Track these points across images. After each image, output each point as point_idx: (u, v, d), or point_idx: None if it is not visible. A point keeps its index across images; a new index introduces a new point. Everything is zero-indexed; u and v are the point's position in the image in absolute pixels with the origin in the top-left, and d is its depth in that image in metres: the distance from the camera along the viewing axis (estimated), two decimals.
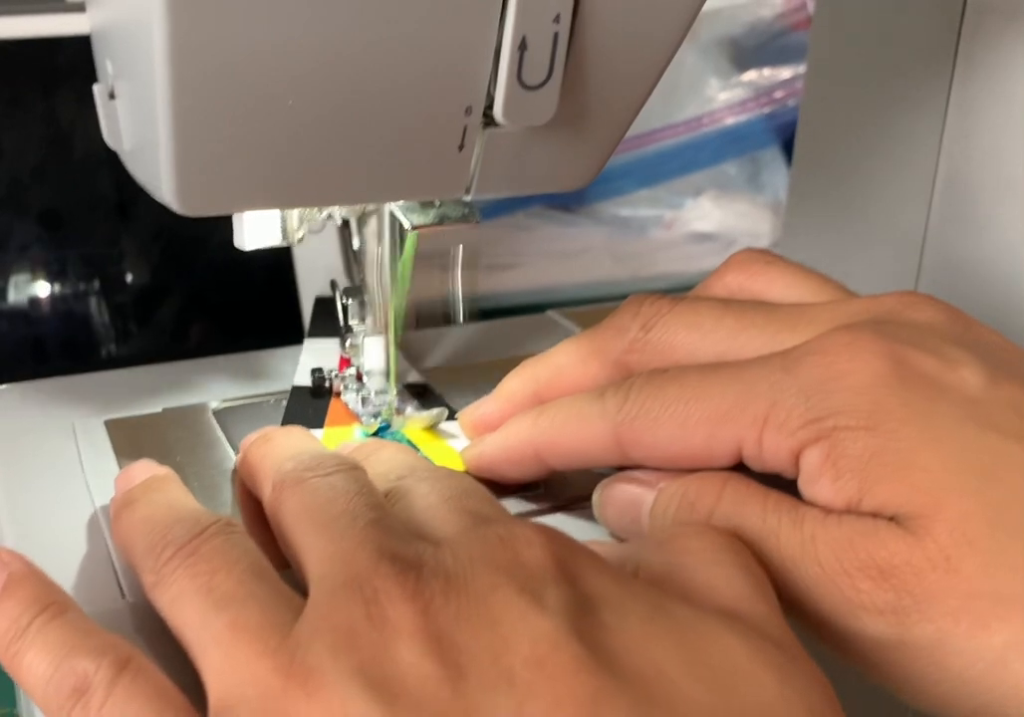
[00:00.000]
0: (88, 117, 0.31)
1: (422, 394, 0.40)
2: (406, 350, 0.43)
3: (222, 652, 0.23)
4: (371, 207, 0.34)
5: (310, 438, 0.33)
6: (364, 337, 0.37)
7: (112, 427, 0.37)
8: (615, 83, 0.30)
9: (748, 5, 0.73)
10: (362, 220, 0.35)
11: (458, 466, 0.34)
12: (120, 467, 0.34)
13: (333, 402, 0.38)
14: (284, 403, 0.38)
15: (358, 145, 0.28)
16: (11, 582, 0.26)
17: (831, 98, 0.49)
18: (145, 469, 0.31)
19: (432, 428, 0.37)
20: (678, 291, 0.32)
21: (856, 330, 0.27)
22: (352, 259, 0.37)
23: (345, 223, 0.36)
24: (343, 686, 0.21)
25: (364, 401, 0.37)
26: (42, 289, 0.45)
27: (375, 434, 0.36)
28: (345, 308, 0.37)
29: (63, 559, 0.30)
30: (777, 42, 0.73)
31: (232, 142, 0.27)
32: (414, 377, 0.41)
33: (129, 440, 0.37)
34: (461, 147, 0.29)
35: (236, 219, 0.33)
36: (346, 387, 0.38)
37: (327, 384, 0.39)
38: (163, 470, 0.31)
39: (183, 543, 0.25)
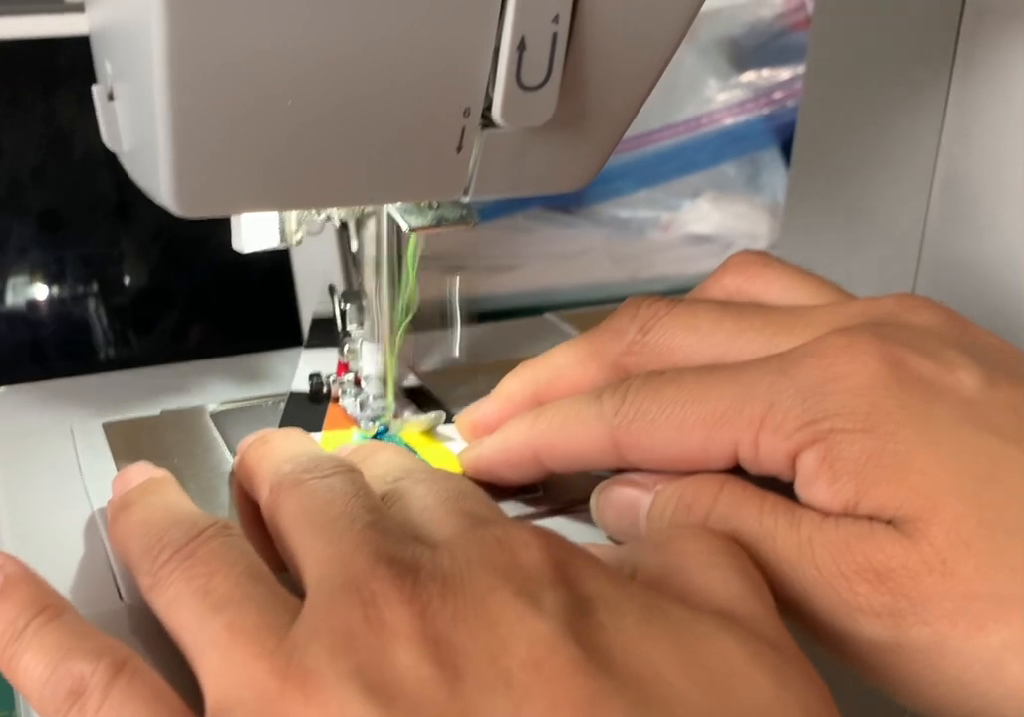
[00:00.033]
0: (88, 117, 0.31)
1: (420, 397, 0.40)
2: (403, 353, 0.43)
3: (219, 654, 0.23)
4: (369, 209, 0.34)
5: (308, 440, 0.33)
6: (362, 342, 0.37)
7: (110, 429, 0.37)
8: (614, 83, 0.30)
9: (748, 5, 0.73)
10: (360, 222, 0.35)
11: (456, 469, 0.34)
12: (118, 469, 0.34)
13: (331, 407, 0.38)
14: (282, 406, 0.38)
15: (357, 146, 0.28)
16: (7, 585, 0.26)
17: (830, 99, 0.49)
18: (142, 471, 0.31)
19: (430, 431, 0.37)
20: (676, 293, 0.32)
21: (853, 332, 0.27)
22: (350, 262, 0.37)
23: (343, 225, 0.35)
24: (340, 688, 0.21)
25: (362, 406, 0.37)
26: (41, 291, 0.45)
27: (373, 438, 0.36)
28: (343, 313, 0.37)
29: (61, 561, 0.30)
30: (776, 42, 0.73)
31: (231, 143, 0.27)
32: (411, 381, 0.41)
33: (127, 442, 0.37)
34: (459, 148, 0.29)
35: (234, 221, 0.33)
36: (344, 392, 0.38)
37: (325, 389, 0.38)
38: (160, 472, 0.31)
39: (180, 545, 0.25)
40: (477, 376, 0.41)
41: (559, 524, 0.32)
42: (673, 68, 0.31)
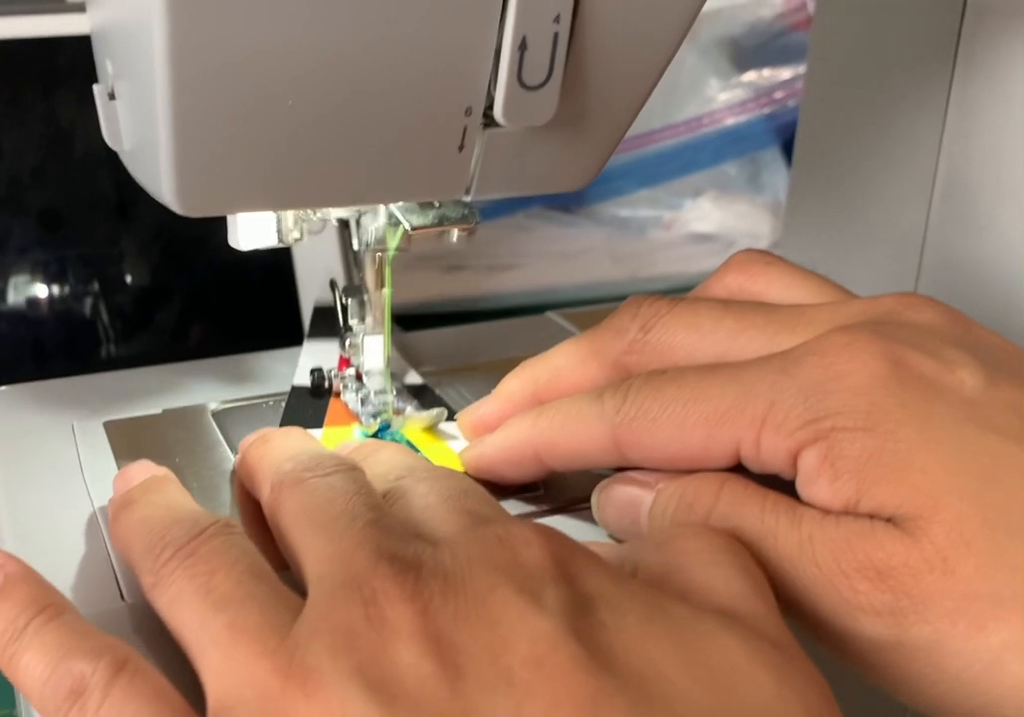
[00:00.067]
0: (88, 117, 0.31)
1: (421, 395, 0.40)
2: (405, 351, 0.43)
3: (221, 653, 0.23)
4: (370, 208, 0.34)
5: (308, 439, 0.33)
6: (364, 336, 0.37)
7: (111, 428, 0.37)
8: (615, 83, 0.30)
9: (748, 5, 0.73)
10: (361, 221, 0.35)
11: (457, 467, 0.34)
12: (119, 468, 0.34)
13: (332, 402, 0.38)
14: (283, 404, 0.38)
15: (358, 146, 0.28)
16: (7, 584, 0.26)
17: (831, 98, 0.49)
18: (143, 470, 0.31)
19: (431, 429, 0.37)
20: (677, 292, 0.32)
21: (855, 331, 0.27)
22: (351, 260, 0.37)
23: (345, 224, 0.36)
24: (342, 686, 0.21)
25: (364, 401, 0.37)
26: (41, 290, 0.45)
27: (375, 435, 0.36)
28: (344, 308, 0.37)
29: (62, 560, 0.30)
30: (777, 42, 0.73)
31: (232, 142, 0.27)
32: (413, 378, 0.41)
33: (128, 441, 0.37)
34: (461, 148, 0.29)
35: (230, 219, 0.33)
36: (346, 387, 0.38)
37: (327, 384, 0.39)
38: (161, 471, 0.31)
39: (182, 544, 0.25)
40: (478, 374, 0.41)
41: (560, 522, 0.32)
42: (674, 68, 0.31)
